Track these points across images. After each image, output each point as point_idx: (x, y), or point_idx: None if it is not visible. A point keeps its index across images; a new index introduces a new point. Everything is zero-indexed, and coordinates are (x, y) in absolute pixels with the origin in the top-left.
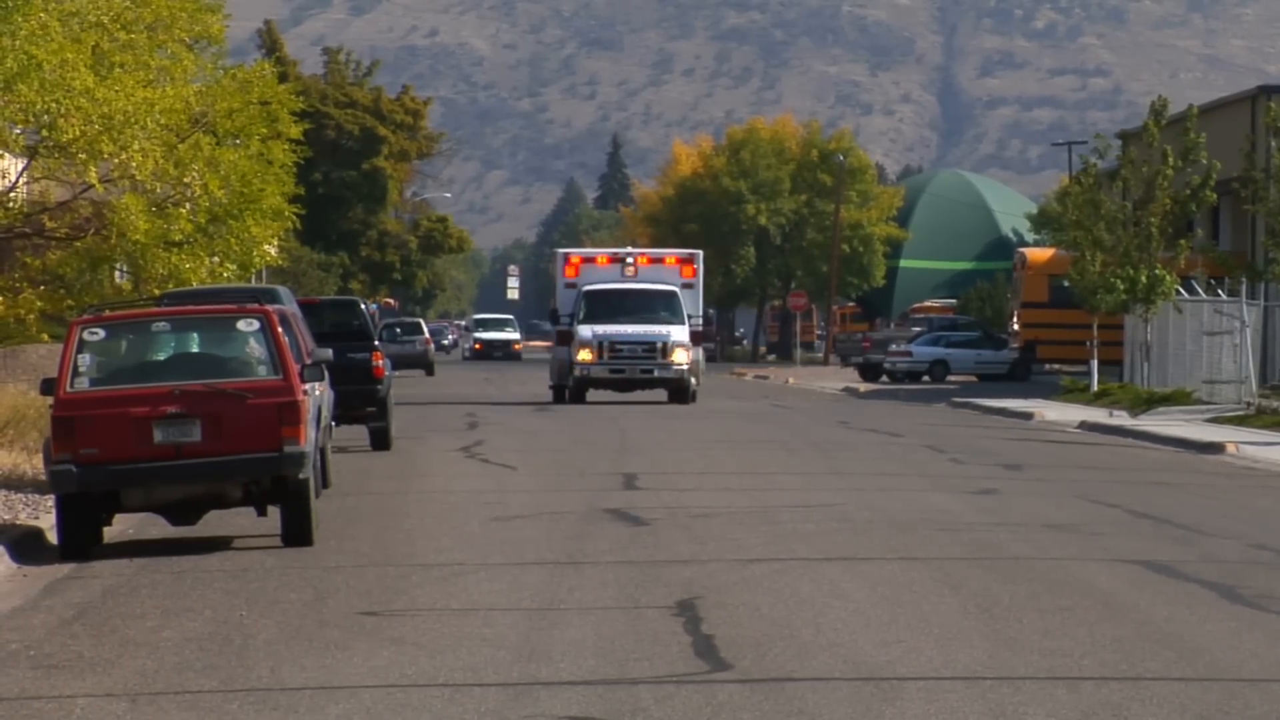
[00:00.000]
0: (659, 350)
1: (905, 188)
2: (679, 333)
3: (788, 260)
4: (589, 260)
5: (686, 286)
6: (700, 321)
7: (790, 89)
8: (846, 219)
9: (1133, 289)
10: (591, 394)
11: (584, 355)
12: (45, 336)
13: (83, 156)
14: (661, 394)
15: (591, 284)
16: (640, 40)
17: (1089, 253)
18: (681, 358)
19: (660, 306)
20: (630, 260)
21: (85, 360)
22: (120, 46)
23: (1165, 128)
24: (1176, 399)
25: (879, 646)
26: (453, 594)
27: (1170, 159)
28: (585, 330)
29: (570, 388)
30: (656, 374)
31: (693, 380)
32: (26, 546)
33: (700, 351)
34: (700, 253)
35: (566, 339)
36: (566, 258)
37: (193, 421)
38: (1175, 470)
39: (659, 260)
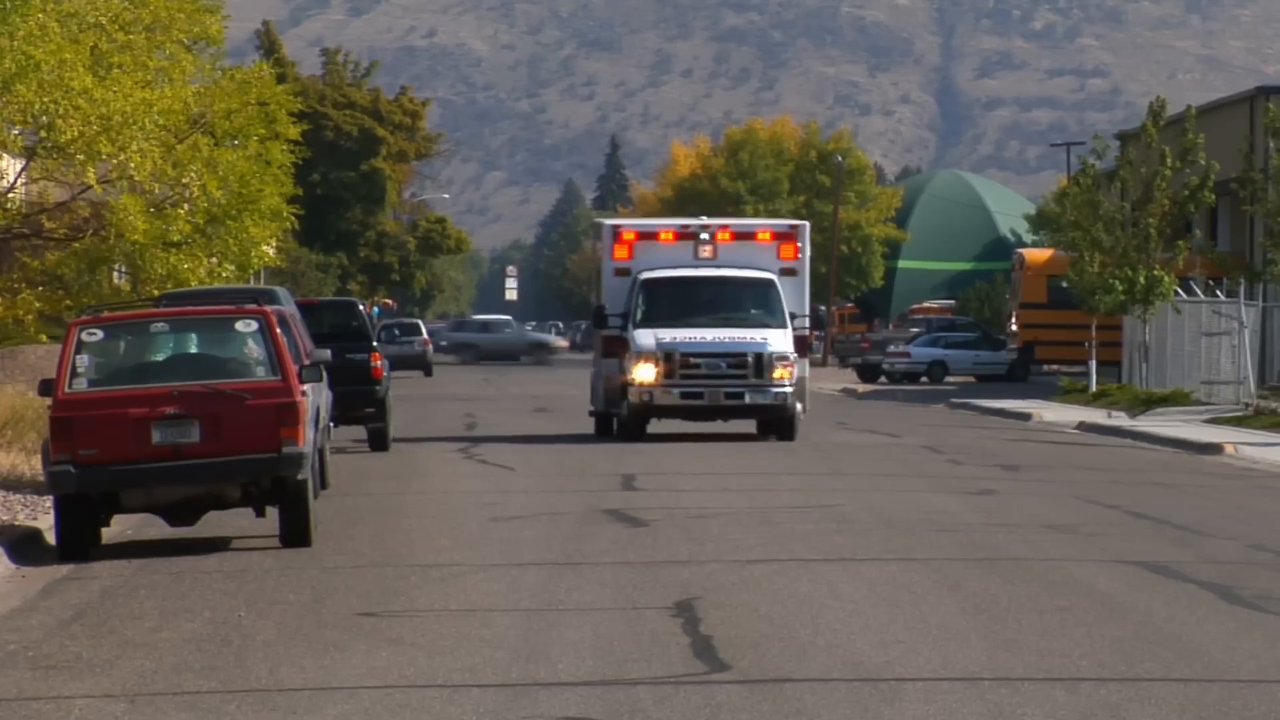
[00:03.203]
0: (751, 365)
1: (904, 188)
2: (779, 339)
3: None
4: (648, 235)
5: (787, 273)
6: (807, 323)
7: (788, 90)
8: (845, 220)
9: (1131, 290)
10: (654, 424)
11: (643, 372)
12: (44, 337)
13: (81, 157)
14: (748, 425)
15: (652, 270)
16: (638, 41)
17: (1087, 253)
18: (783, 375)
19: (752, 302)
20: (707, 236)
21: (84, 361)
22: (119, 47)
23: (1164, 128)
24: (1175, 400)
25: (877, 647)
26: (451, 595)
27: (1169, 160)
28: (645, 336)
29: (623, 417)
30: (748, 399)
31: (798, 406)
32: (25, 547)
33: (807, 366)
34: (806, 225)
35: (617, 348)
36: (616, 232)
37: (191, 422)
38: (1174, 471)
39: (748, 235)
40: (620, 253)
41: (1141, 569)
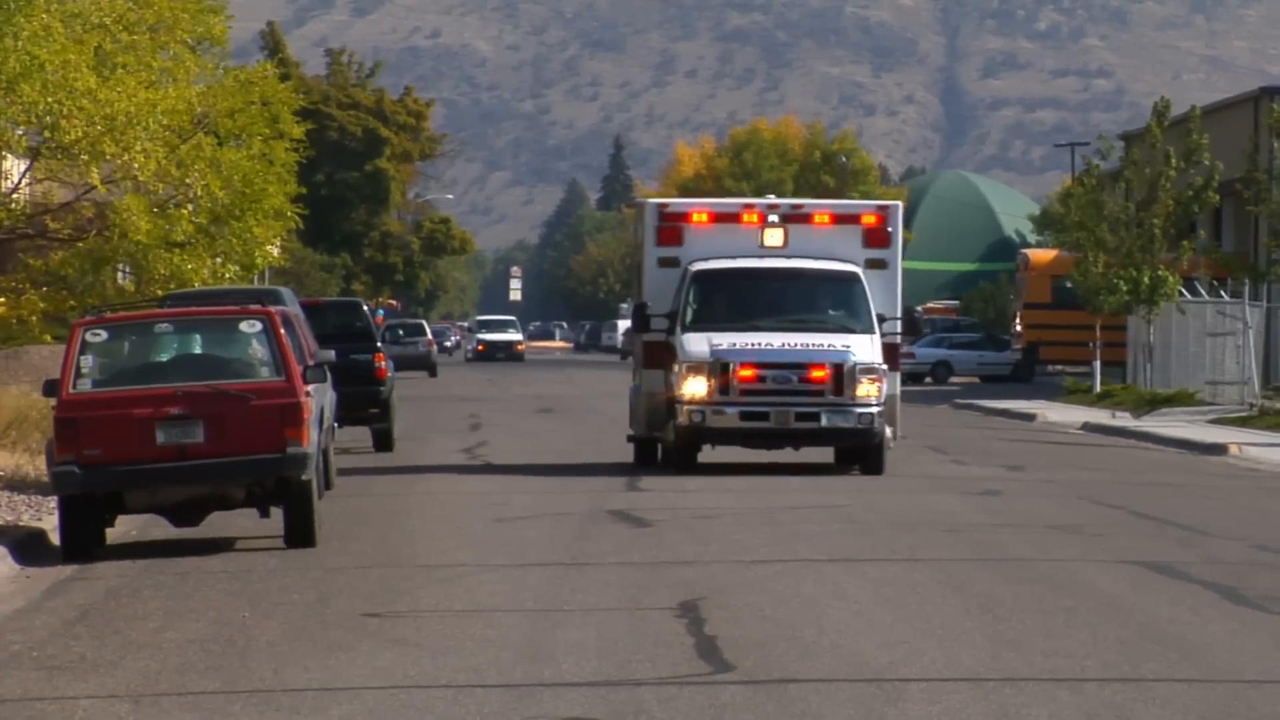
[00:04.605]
0: (830, 379)
1: (908, 189)
2: (865, 348)
3: None
4: (702, 217)
5: (875, 264)
6: (898, 328)
7: (793, 90)
8: None
9: (1135, 290)
10: (707, 452)
11: (694, 386)
12: (48, 338)
13: (85, 157)
14: (823, 453)
15: (707, 259)
16: (643, 41)
17: (1092, 254)
18: (869, 392)
19: (830, 300)
20: (776, 218)
21: (88, 361)
22: (123, 48)
23: (1168, 129)
24: (1179, 400)
25: (882, 648)
26: (455, 595)
27: (1173, 160)
28: (696, 342)
29: (670, 442)
30: (825, 421)
31: (887, 432)
32: (29, 548)
33: (898, 382)
34: (898, 205)
35: (662, 356)
36: (662, 213)
37: (196, 423)
38: (1178, 471)
39: (826, 217)
40: (667, 238)
41: (1146, 569)
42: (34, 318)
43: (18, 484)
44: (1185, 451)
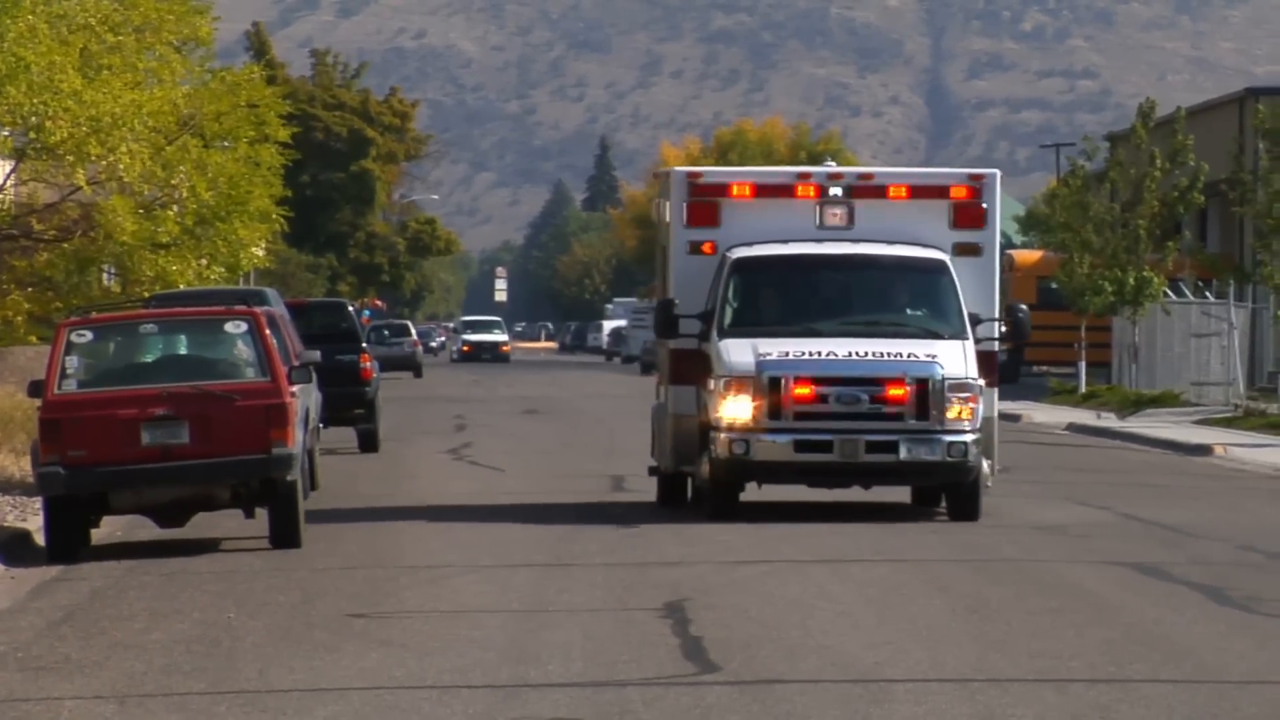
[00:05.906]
0: (910, 399)
1: None
2: (954, 357)
3: None
4: (745, 190)
5: (965, 250)
6: (997, 331)
7: (778, 91)
8: None
9: (1121, 291)
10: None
11: (735, 408)
12: (33, 338)
13: (70, 158)
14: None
15: (751, 244)
16: (628, 42)
17: (1077, 255)
18: (962, 415)
19: (910, 296)
20: (839, 191)
21: (73, 362)
22: (108, 49)
23: (1153, 130)
24: (1164, 401)
25: (867, 648)
26: (441, 596)
27: (1158, 161)
28: (738, 350)
29: (707, 478)
30: (905, 453)
31: (984, 465)
32: (14, 549)
33: (995, 401)
34: (995, 174)
35: (694, 368)
36: (693, 185)
37: (181, 423)
38: (1163, 472)
39: (902, 190)
40: (700, 217)
41: (1131, 570)
42: (19, 319)
43: (3, 485)
44: (1170, 452)
